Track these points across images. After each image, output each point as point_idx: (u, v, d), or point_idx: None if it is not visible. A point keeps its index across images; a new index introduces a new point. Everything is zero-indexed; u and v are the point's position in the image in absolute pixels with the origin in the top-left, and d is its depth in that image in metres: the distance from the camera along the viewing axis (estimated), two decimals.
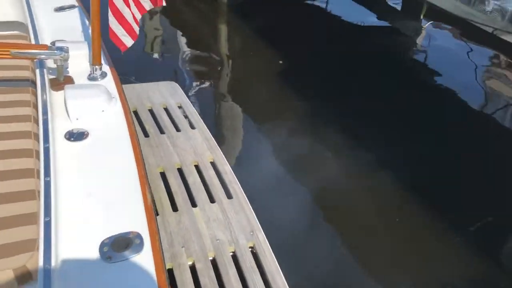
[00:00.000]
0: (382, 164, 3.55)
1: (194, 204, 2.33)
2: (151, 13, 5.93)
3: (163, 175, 2.54)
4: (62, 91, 1.72)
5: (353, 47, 5.51)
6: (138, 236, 1.19)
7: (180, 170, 2.59)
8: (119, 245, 1.16)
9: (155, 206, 2.24)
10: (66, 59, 1.76)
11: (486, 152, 3.81)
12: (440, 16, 5.00)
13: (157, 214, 2.25)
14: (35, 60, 1.92)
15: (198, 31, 5.91)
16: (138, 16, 1.83)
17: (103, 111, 1.64)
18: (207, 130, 2.96)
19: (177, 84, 3.50)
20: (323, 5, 6.83)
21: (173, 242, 2.09)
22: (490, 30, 3.97)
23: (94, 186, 1.33)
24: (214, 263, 2.02)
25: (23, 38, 2.41)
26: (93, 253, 1.14)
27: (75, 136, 1.52)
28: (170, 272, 1.97)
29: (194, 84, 4.60)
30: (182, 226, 2.18)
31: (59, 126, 1.56)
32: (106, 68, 1.91)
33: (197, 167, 2.62)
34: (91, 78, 1.85)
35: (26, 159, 1.58)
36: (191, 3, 6.52)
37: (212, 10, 6.38)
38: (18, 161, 1.57)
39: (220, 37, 5.86)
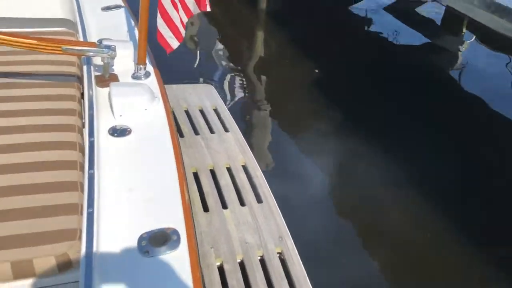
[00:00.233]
0: (420, 180, 3.51)
1: (225, 206, 2.36)
2: (193, 17, 6.03)
3: (195, 175, 2.58)
4: (107, 88, 1.78)
5: (391, 60, 5.46)
6: (176, 232, 1.22)
7: (212, 172, 2.63)
8: (156, 240, 1.19)
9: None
10: (113, 57, 1.82)
11: None
12: (481, 31, 4.90)
13: None
14: (82, 56, 1.99)
15: (236, 36, 5.98)
16: (185, 20, 1.87)
17: (146, 109, 1.69)
18: (240, 134, 2.99)
19: (213, 87, 3.56)
20: (362, 16, 6.80)
21: (202, 242, 2.12)
22: None
23: (134, 181, 1.37)
24: (242, 265, 2.04)
25: (70, 35, 2.50)
26: (132, 246, 1.17)
27: (118, 132, 1.56)
28: None
29: (229, 88, 4.66)
30: (212, 227, 2.22)
31: (103, 122, 1.61)
32: (149, 68, 1.96)
33: (229, 169, 2.65)
34: (135, 77, 1.90)
35: (69, 151, 1.64)
36: (231, 9, 6.60)
37: (251, 17, 6.44)
38: (62, 153, 1.63)
39: (256, 43, 5.91)
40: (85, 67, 1.91)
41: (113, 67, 1.92)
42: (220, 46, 5.62)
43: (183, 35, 1.91)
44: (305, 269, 2.04)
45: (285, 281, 1.98)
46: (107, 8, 2.49)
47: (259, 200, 2.42)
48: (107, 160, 1.44)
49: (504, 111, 4.59)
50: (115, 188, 1.33)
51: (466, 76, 5.40)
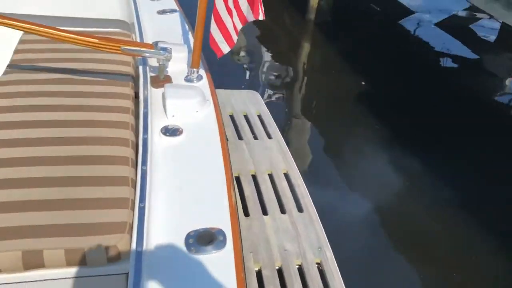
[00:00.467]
0: (465, 200, 3.40)
1: (265, 212, 2.37)
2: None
3: (237, 179, 2.61)
4: (161, 89, 1.84)
5: (439, 77, 5.33)
6: (222, 233, 1.24)
7: (254, 177, 2.65)
8: (203, 239, 1.22)
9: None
10: (168, 59, 1.88)
11: None
12: None
13: None
14: (139, 57, 2.06)
15: (282, 45, 6.01)
16: (239, 26, 1.91)
17: (197, 111, 1.73)
18: (284, 142, 3.00)
19: (258, 94, 3.59)
20: (413, 30, 6.69)
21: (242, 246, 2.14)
22: None
23: (184, 180, 1.41)
24: (280, 272, 2.04)
25: (126, 36, 2.59)
26: (179, 243, 1.20)
27: (170, 131, 1.61)
28: None
29: (273, 95, 4.69)
30: (252, 232, 2.23)
31: (156, 121, 1.66)
32: (202, 71, 2.01)
33: (270, 176, 2.66)
34: (188, 79, 1.95)
35: (123, 147, 1.70)
36: (279, 19, 6.65)
37: (298, 27, 6.47)
38: (115, 149, 1.69)
39: (303, 53, 5.93)
40: (140, 68, 1.97)
41: (167, 69, 1.98)
42: (266, 54, 5.67)
43: (235, 41, 1.95)
44: (344, 282, 2.02)
45: None
46: (163, 12, 2.56)
47: (299, 209, 2.41)
48: (158, 158, 1.49)
49: None
50: (166, 185, 1.37)
51: None
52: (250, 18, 1.91)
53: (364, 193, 3.44)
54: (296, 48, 5.99)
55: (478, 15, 6.79)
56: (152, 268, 1.13)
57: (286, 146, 2.95)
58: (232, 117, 3.23)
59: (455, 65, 5.91)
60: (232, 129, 3.07)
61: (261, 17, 1.82)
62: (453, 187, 3.54)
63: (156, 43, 1.96)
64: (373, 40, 6.04)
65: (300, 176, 2.68)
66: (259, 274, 2.02)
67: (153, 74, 1.94)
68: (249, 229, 2.24)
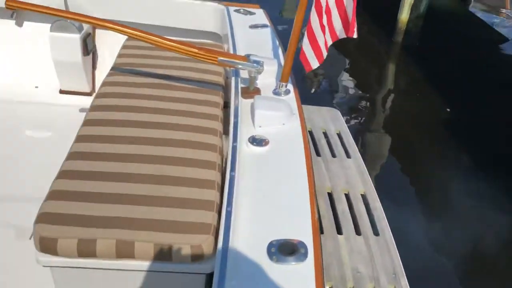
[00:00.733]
0: None
1: (339, 232, 2.34)
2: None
3: None
4: (250, 100, 1.90)
5: None
6: (303, 246, 1.25)
7: (330, 195, 2.63)
8: (285, 249, 1.23)
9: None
10: (259, 72, 1.94)
11: None
12: None
13: None
14: (231, 68, 2.14)
15: (366, 66, 5.95)
16: (330, 42, 1.92)
17: (283, 124, 1.76)
18: (362, 162, 2.95)
19: (339, 112, 3.57)
20: (507, 53, 6.30)
21: None
22: None
23: (268, 189, 1.44)
24: None
25: (218, 47, 2.71)
26: (261, 250, 1.23)
27: (257, 141, 1.65)
28: None
29: (353, 115, 4.64)
30: (325, 249, 2.21)
31: (244, 130, 1.72)
32: (290, 86, 2.05)
33: (347, 196, 2.63)
34: (276, 92, 1.99)
35: (211, 152, 1.78)
36: (364, 40, 6.59)
37: (384, 49, 6.37)
38: (204, 153, 1.77)
39: (387, 75, 5.82)
40: (232, 78, 2.05)
41: (256, 81, 2.04)
42: (349, 73, 5.63)
43: (324, 57, 1.96)
44: None
45: None
46: (255, 26, 2.65)
47: (375, 232, 2.36)
48: (245, 166, 1.53)
49: None
50: (251, 192, 1.41)
51: None
52: (342, 35, 1.92)
53: (444, 221, 3.28)
54: (380, 70, 5.89)
55: None
56: (235, 271, 1.16)
57: (364, 166, 2.90)
58: (311, 133, 3.24)
59: None
60: (310, 144, 3.08)
61: (354, 35, 1.83)
62: None
63: (248, 56, 2.03)
64: (465, 65, 5.78)
65: (378, 198, 2.62)
66: None
67: (243, 85, 2.01)
68: (322, 247, 2.23)
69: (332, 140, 3.15)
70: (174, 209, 1.49)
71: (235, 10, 2.80)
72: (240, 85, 2.01)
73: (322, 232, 2.33)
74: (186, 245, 1.38)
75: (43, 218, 1.42)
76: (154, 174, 1.62)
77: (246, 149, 1.61)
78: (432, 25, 6.48)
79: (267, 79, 2.04)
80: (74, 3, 2.85)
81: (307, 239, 1.28)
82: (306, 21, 1.88)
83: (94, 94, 3.08)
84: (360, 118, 4.62)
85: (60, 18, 2.46)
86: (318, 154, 2.99)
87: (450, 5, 7.33)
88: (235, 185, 1.41)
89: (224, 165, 1.83)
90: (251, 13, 2.81)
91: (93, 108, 1.97)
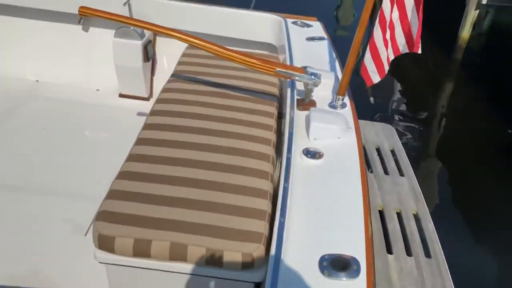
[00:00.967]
0: None
1: (389, 251, 2.28)
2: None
3: None
4: (305, 112, 1.89)
5: None
6: (356, 262, 1.23)
7: (381, 213, 2.57)
8: (337, 264, 1.22)
9: None
10: (316, 85, 1.94)
11: None
12: None
13: None
14: (288, 79, 2.15)
15: (422, 83, 5.79)
16: (391, 57, 1.90)
17: (339, 138, 1.74)
18: (416, 181, 2.87)
19: (393, 128, 3.49)
20: None
21: None
22: None
23: (322, 203, 1.43)
24: None
25: (274, 58, 2.73)
26: (313, 264, 1.22)
27: (311, 154, 1.64)
28: None
29: (407, 132, 4.52)
30: (375, 267, 2.15)
31: (299, 142, 1.71)
32: (346, 99, 2.03)
33: (399, 214, 2.56)
34: (332, 106, 1.98)
35: (264, 162, 1.79)
36: (421, 55, 6.41)
37: (441, 66, 6.17)
38: (257, 162, 1.78)
39: (444, 93, 5.63)
40: (288, 90, 2.06)
41: (312, 93, 2.04)
42: (403, 89, 5.50)
43: (386, 72, 1.93)
44: None
45: None
46: (311, 39, 2.65)
47: (427, 254, 2.28)
48: (298, 177, 1.53)
49: None
50: (304, 205, 1.40)
51: None
52: (405, 50, 1.89)
53: (500, 247, 3.12)
54: (437, 87, 5.71)
55: None
56: (285, 282, 1.16)
57: (418, 186, 2.82)
58: (363, 148, 3.18)
59: None
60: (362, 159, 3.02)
61: (419, 50, 1.79)
62: None
63: (305, 68, 2.03)
64: None
65: (431, 219, 2.54)
66: None
67: (298, 97, 2.01)
68: None
69: (385, 156, 3.09)
70: (227, 216, 1.50)
71: (293, 22, 2.82)
72: (296, 97, 2.01)
73: None
74: (237, 252, 1.39)
75: (102, 216, 1.48)
76: (208, 179, 1.65)
77: (300, 161, 1.61)
78: (494, 42, 6.22)
79: (323, 91, 2.03)
80: (137, 10, 2.97)
81: (360, 256, 1.25)
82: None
83: (151, 99, 3.19)
84: (414, 136, 4.49)
85: (124, 25, 2.57)
86: (370, 170, 2.94)
87: None
88: (289, 196, 1.41)
89: (276, 176, 1.83)
90: (308, 26, 2.82)
91: (153, 112, 2.04)
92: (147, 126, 1.94)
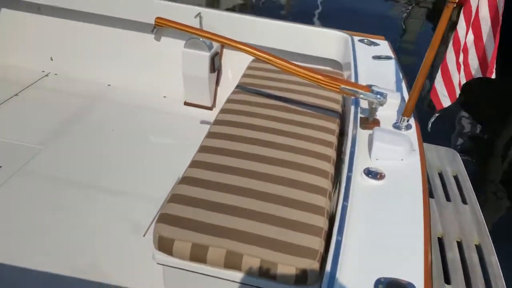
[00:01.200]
0: None
1: (448, 281, 2.18)
2: None
3: None
4: (368, 131, 1.87)
5: None
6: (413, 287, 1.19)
7: (440, 240, 2.46)
8: None
9: None
10: (381, 104, 1.91)
11: None
12: None
13: None
14: (352, 97, 2.14)
15: (489, 107, 5.51)
16: (463, 81, 1.83)
17: (402, 160, 1.71)
18: (480, 210, 2.73)
19: (457, 154, 3.35)
20: None
21: None
22: None
23: (380, 224, 1.40)
24: None
25: (338, 75, 2.72)
26: (369, 285, 1.19)
27: (372, 174, 1.62)
28: None
29: (471, 158, 4.32)
30: None
31: (360, 161, 1.70)
32: (411, 121, 1.99)
33: (459, 244, 2.45)
34: (396, 126, 1.94)
35: (322, 179, 1.78)
36: (494, 81, 6.12)
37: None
38: (315, 178, 1.78)
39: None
40: (352, 107, 2.05)
41: (377, 113, 2.01)
42: (469, 113, 5.27)
43: (457, 96, 1.87)
44: None
45: None
46: (378, 57, 2.62)
47: None
48: (358, 197, 1.51)
49: None
50: (363, 225, 1.38)
51: None
52: (478, 74, 1.82)
53: None
54: (506, 114, 5.42)
55: None
56: None
57: (482, 215, 2.68)
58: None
59: None
60: None
61: (493, 75, 1.72)
62: None
63: (370, 86, 2.01)
64: None
65: (495, 252, 2.40)
66: None
67: (362, 115, 1.99)
68: None
69: (448, 182, 2.97)
70: (283, 229, 1.51)
71: (359, 40, 2.80)
72: (359, 115, 2.00)
73: None
74: (291, 267, 1.39)
75: (163, 218, 1.54)
76: (267, 191, 1.67)
77: (360, 180, 1.59)
78: None
79: (387, 111, 2.00)
80: (207, 23, 3.08)
81: (418, 282, 1.22)
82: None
83: (214, 109, 3.28)
84: (479, 163, 4.28)
85: (194, 36, 2.67)
86: (431, 195, 2.83)
87: None
88: (347, 215, 1.39)
89: (334, 193, 1.82)
90: (375, 44, 2.79)
91: (217, 122, 2.09)
92: (210, 135, 2.00)
